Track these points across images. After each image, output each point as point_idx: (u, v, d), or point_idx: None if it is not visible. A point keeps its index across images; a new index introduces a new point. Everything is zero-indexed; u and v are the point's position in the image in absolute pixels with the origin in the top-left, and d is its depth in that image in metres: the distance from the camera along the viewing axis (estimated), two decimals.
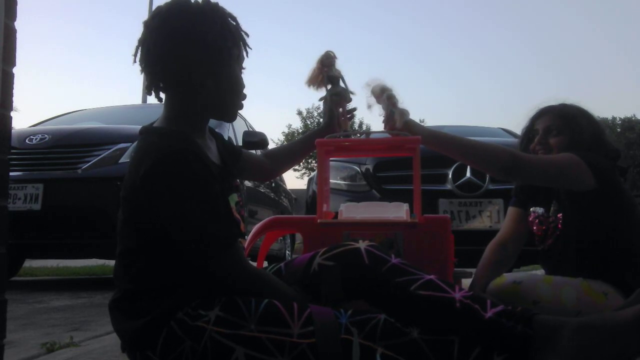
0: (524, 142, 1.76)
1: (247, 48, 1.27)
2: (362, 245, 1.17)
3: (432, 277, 1.12)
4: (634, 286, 1.40)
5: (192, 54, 1.17)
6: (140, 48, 1.21)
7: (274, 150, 1.66)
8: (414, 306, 1.09)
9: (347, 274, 1.14)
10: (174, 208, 1.08)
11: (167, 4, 1.21)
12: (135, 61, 1.22)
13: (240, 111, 1.34)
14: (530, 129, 1.74)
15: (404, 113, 1.52)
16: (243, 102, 1.30)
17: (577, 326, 1.01)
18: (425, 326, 1.07)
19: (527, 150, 1.71)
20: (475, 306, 1.06)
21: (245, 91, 1.29)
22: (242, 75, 1.28)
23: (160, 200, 1.08)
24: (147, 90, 1.24)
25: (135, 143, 3.54)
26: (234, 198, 1.24)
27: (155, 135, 1.16)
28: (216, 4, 1.23)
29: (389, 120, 1.54)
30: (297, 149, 1.64)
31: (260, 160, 1.57)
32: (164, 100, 1.23)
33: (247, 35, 1.27)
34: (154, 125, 1.22)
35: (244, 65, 1.29)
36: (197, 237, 1.09)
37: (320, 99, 1.62)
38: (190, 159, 1.10)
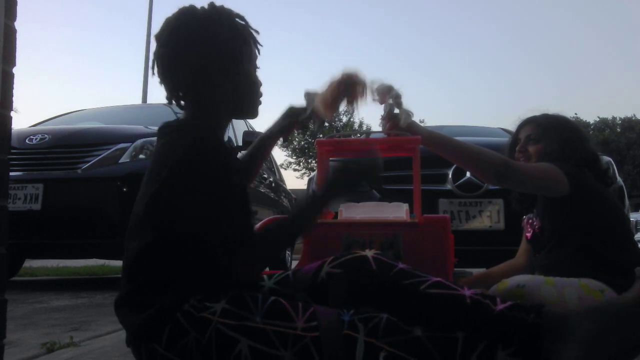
0: (511, 150, 1.86)
1: (258, 45, 1.29)
2: (369, 253, 1.19)
3: (439, 279, 1.13)
4: (622, 283, 1.43)
5: (204, 59, 1.20)
6: (155, 61, 1.24)
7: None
8: (425, 304, 1.10)
9: (354, 281, 1.15)
10: (205, 198, 1.10)
11: (174, 15, 1.24)
12: (153, 74, 1.25)
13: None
14: (515, 138, 1.86)
15: (409, 114, 1.53)
16: (260, 98, 1.32)
17: (585, 312, 1.03)
18: (436, 324, 1.08)
19: (513, 157, 1.81)
20: (485, 301, 1.08)
21: (261, 89, 1.32)
22: (257, 73, 1.31)
23: (191, 191, 1.10)
24: (168, 100, 1.27)
25: (141, 141, 3.57)
26: None
27: (183, 129, 1.19)
28: (221, 7, 1.25)
29: (390, 120, 1.55)
30: (255, 154, 1.60)
31: None
32: (184, 107, 1.26)
33: (258, 33, 1.29)
34: (181, 124, 1.24)
35: (257, 63, 1.30)
36: (226, 228, 1.10)
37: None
38: (220, 151, 1.13)
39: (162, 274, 1.12)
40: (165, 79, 1.24)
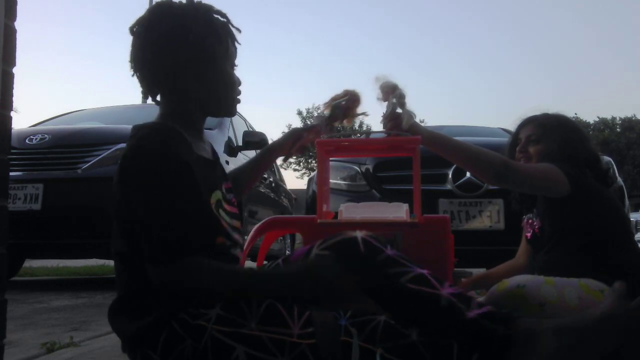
0: (511, 149, 1.85)
1: (236, 44, 1.27)
2: (359, 234, 1.16)
3: (424, 271, 1.11)
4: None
5: (175, 55, 1.18)
6: (130, 55, 1.22)
7: (235, 171, 1.60)
8: (401, 298, 1.09)
9: (343, 263, 1.13)
10: (140, 203, 1.08)
11: (150, 8, 1.22)
12: (131, 67, 1.24)
13: (240, 111, 1.34)
14: (516, 137, 1.85)
15: (411, 115, 1.53)
16: (239, 97, 1.30)
17: (555, 328, 1.02)
18: (408, 318, 1.07)
19: (513, 157, 1.80)
20: (459, 305, 1.06)
21: (240, 87, 1.30)
22: (235, 71, 1.29)
23: (130, 193, 1.09)
24: (143, 95, 1.25)
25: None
26: (217, 195, 1.21)
27: (141, 130, 1.15)
28: (199, 3, 1.23)
29: (392, 119, 1.55)
30: (257, 163, 1.61)
31: None
32: (159, 103, 1.25)
33: (239, 31, 1.27)
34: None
35: (236, 61, 1.29)
36: (160, 235, 1.05)
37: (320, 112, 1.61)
38: (166, 151, 1.09)
39: (149, 280, 1.09)
40: (138, 74, 1.22)
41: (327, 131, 1.58)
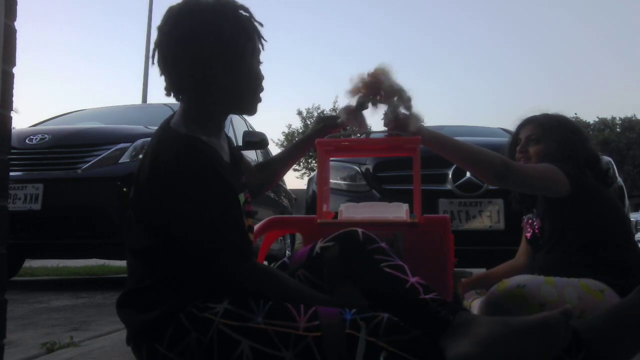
0: (511, 149, 1.85)
1: (262, 40, 1.27)
2: (360, 228, 1.25)
3: (403, 264, 1.18)
4: (622, 283, 1.44)
5: (205, 53, 1.17)
6: (156, 52, 1.22)
7: (264, 162, 1.66)
8: (377, 279, 1.15)
9: (344, 251, 1.21)
10: (191, 213, 1.10)
11: (178, 5, 1.21)
12: (153, 63, 1.23)
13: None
14: (516, 137, 1.86)
15: (418, 119, 1.52)
16: (261, 94, 1.31)
17: (490, 321, 1.06)
18: (379, 296, 1.15)
19: (513, 157, 1.81)
20: (419, 289, 1.11)
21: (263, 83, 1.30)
22: (260, 67, 1.29)
23: (178, 203, 1.10)
24: (167, 92, 1.25)
25: (141, 141, 3.59)
26: (241, 197, 1.24)
27: (174, 138, 1.16)
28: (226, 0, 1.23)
29: (396, 120, 1.54)
30: (288, 154, 1.66)
31: (251, 173, 1.54)
32: (181, 100, 1.24)
33: (262, 25, 1.27)
34: (172, 122, 1.22)
35: (260, 57, 1.29)
36: (216, 245, 1.10)
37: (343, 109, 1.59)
38: (212, 164, 1.12)
39: (163, 275, 1.12)
40: (165, 71, 1.22)
41: (361, 124, 1.56)
